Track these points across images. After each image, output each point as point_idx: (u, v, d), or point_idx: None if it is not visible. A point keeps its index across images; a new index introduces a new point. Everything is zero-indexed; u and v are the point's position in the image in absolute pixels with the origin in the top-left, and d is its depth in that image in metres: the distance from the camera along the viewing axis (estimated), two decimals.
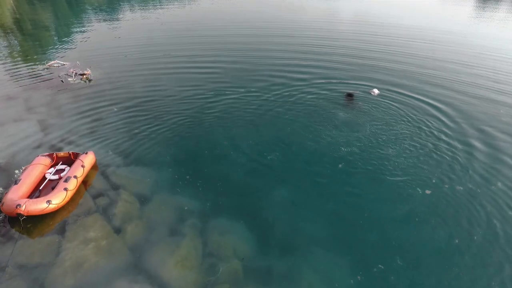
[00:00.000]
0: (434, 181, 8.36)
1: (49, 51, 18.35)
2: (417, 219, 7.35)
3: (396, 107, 12.07)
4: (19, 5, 33.44)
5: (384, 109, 11.87)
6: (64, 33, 23.09)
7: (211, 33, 22.79)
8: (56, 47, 19.25)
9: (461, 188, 8.17)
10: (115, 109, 11.41)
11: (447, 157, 9.39)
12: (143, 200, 7.81)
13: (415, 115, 11.62)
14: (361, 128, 10.65)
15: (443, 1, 48.02)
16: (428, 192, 8.01)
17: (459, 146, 9.96)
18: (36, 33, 22.60)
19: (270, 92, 13.25)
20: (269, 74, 15.17)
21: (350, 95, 12.64)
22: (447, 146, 9.93)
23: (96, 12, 30.76)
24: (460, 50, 20.37)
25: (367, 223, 7.30)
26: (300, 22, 28.04)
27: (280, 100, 12.63)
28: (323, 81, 14.46)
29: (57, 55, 17.49)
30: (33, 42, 20.43)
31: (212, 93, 12.97)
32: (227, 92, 13.00)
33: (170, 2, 37.03)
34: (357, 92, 12.64)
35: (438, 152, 9.60)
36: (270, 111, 11.71)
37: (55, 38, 21.73)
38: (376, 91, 12.61)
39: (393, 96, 12.86)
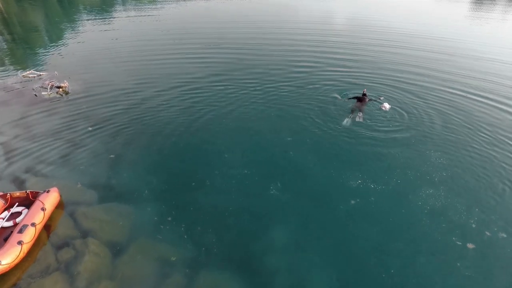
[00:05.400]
0: (474, 226, 6.93)
1: (26, 58, 16.85)
2: (457, 280, 6.00)
3: (417, 124, 10.72)
4: (7, 5, 31.52)
5: (402, 127, 10.48)
6: (48, 38, 21.54)
7: (202, 38, 21.28)
8: (35, 53, 17.72)
9: (505, 235, 6.75)
10: (90, 129, 9.99)
11: (494, 198, 7.74)
12: (117, 250, 6.45)
13: (442, 135, 10.18)
14: (378, 154, 9.18)
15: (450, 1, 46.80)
16: (470, 246, 6.52)
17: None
18: (18, 38, 20.98)
19: (269, 102, 11.92)
20: (264, 80, 13.84)
21: (362, 97, 11.66)
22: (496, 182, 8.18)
23: (86, 14, 29.07)
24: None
25: (390, 278, 5.98)
26: (297, 23, 26.62)
27: (278, 111, 11.31)
28: (327, 86, 13.16)
29: (36, 63, 15.99)
30: (10, 47, 18.84)
31: (201, 110, 11.42)
32: (215, 111, 11.37)
33: (165, 3, 35.42)
34: (367, 95, 11.73)
35: (481, 191, 7.94)
36: (267, 129, 10.31)
37: (37, 43, 20.13)
38: (387, 105, 11.28)
39: (412, 109, 11.55)
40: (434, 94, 12.95)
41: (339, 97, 12.19)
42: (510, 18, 32.64)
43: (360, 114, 10.86)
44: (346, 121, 10.49)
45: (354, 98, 11.89)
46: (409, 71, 15.55)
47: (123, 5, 33.78)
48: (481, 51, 19.64)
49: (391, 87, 13.47)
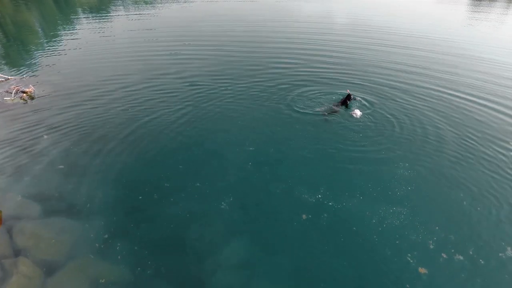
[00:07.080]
0: (431, 247, 6.50)
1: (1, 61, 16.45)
2: None
3: (392, 133, 10.33)
4: (2, 5, 30.96)
5: (373, 136, 10.08)
6: (32, 40, 20.95)
7: (181, 38, 20.92)
8: (11, 55, 17.33)
9: (462, 258, 6.34)
10: (45, 137, 9.60)
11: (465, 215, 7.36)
12: (50, 270, 6.05)
13: (419, 145, 9.77)
14: (344, 168, 8.73)
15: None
16: (422, 271, 6.08)
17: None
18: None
19: (239, 109, 11.51)
20: (237, 80, 13.45)
21: (346, 99, 11.62)
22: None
23: (82, 15, 28.49)
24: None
25: None
26: (282, 24, 26.31)
27: (244, 116, 10.94)
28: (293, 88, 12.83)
29: (9, 65, 15.60)
30: None
31: (165, 114, 11.02)
32: (177, 115, 10.99)
33: (163, 6, 35.06)
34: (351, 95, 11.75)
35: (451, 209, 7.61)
36: (229, 137, 9.92)
37: (17, 45, 19.71)
38: (358, 112, 10.94)
39: (388, 115, 11.20)
40: (417, 98, 12.53)
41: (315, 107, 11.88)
42: (508, 19, 32.46)
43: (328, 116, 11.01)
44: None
45: (341, 101, 11.79)
46: (393, 71, 15.21)
47: (120, 6, 33.37)
48: (474, 51, 19.30)
49: (371, 90, 13.12)
